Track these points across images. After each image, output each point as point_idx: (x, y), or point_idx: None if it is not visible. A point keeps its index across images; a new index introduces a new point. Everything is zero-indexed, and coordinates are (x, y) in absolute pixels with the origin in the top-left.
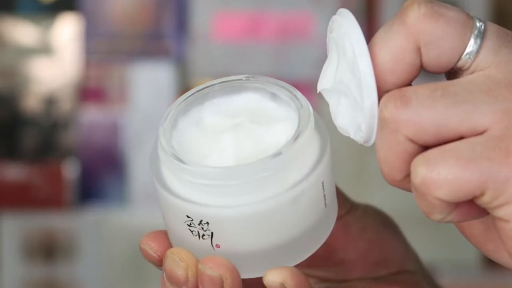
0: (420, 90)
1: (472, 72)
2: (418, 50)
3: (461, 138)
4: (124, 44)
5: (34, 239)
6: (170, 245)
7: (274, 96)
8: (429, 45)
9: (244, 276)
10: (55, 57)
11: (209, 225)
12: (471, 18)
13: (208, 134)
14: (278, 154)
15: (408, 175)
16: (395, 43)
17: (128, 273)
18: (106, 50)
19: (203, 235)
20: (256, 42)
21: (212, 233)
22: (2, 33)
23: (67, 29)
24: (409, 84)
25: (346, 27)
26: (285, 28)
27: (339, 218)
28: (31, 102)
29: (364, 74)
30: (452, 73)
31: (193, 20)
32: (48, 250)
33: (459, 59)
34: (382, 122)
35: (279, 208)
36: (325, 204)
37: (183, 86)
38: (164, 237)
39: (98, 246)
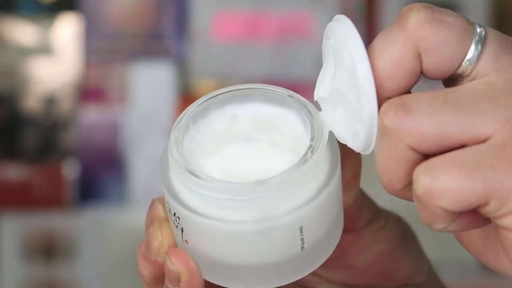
0: (421, 97)
1: (473, 79)
2: (418, 56)
3: (463, 146)
4: (124, 44)
5: (34, 239)
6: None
7: (301, 120)
8: (430, 51)
9: (207, 278)
10: (55, 57)
11: (180, 220)
12: (471, 24)
13: (222, 135)
14: (261, 182)
15: (408, 185)
16: (395, 49)
17: (128, 273)
18: (106, 50)
19: (177, 226)
20: (256, 42)
21: (182, 228)
22: (2, 33)
23: (67, 29)
24: (409, 91)
25: (343, 34)
26: (285, 28)
27: (355, 229)
28: (31, 102)
29: (363, 81)
30: (452, 80)
31: (193, 20)
32: (48, 250)
33: (459, 66)
34: (383, 131)
35: (240, 234)
36: (302, 248)
37: (183, 86)
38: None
39: (98, 246)
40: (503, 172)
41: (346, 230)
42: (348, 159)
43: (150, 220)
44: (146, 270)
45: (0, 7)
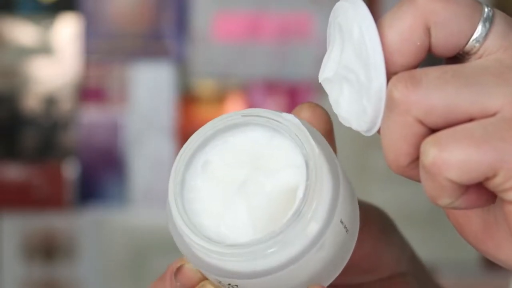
0: (431, 71)
1: (480, 57)
2: (427, 30)
3: (471, 120)
4: (124, 44)
5: (34, 239)
6: None
7: (278, 134)
8: (439, 26)
9: None
10: (55, 57)
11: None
12: (479, 3)
13: (217, 186)
14: (280, 231)
15: (414, 161)
16: (404, 23)
17: (128, 273)
18: (106, 50)
19: None
20: (256, 42)
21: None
22: (2, 33)
23: (67, 29)
24: (416, 67)
25: (353, 10)
26: (285, 28)
27: None
28: (31, 102)
29: (373, 54)
30: (459, 58)
31: (193, 20)
32: (48, 250)
33: (467, 42)
34: (391, 103)
35: (304, 263)
36: (346, 230)
37: (183, 86)
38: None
39: (98, 246)
40: None
41: None
42: (318, 119)
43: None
44: None
45: (0, 7)
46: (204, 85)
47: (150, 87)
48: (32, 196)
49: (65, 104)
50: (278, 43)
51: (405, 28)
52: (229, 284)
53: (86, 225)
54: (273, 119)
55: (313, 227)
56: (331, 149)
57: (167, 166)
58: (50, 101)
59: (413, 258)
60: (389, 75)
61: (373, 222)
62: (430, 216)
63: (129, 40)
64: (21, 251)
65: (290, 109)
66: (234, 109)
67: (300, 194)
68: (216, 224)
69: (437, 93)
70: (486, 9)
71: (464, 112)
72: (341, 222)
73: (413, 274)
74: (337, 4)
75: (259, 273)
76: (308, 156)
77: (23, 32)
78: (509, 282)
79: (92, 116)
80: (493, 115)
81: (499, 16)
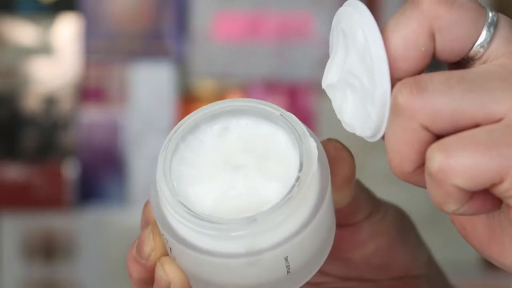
0: (436, 76)
1: (484, 62)
2: (432, 36)
3: (477, 126)
4: (124, 44)
5: (34, 239)
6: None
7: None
8: (444, 30)
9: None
10: (55, 57)
11: (167, 242)
12: (483, 7)
13: (212, 155)
14: (251, 220)
15: (420, 167)
16: (409, 28)
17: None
18: (106, 50)
19: (166, 242)
20: (256, 42)
21: (170, 248)
22: (2, 33)
23: (67, 29)
24: (421, 72)
25: (357, 15)
26: (285, 28)
27: (353, 224)
28: (31, 102)
29: (377, 59)
30: (463, 63)
31: (193, 20)
32: (48, 250)
33: (472, 47)
34: (396, 109)
35: (226, 266)
36: (287, 272)
37: (183, 86)
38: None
39: (98, 246)
40: None
41: (343, 225)
42: (340, 164)
43: (145, 222)
44: (135, 272)
45: (0, 7)
46: (204, 85)
47: (150, 87)
48: (32, 196)
49: (65, 104)
50: (278, 43)
51: (409, 34)
52: (163, 234)
53: (86, 225)
54: (273, 111)
55: (257, 244)
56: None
57: None
58: (50, 101)
59: (430, 263)
60: (394, 81)
61: (391, 221)
62: (430, 216)
63: (129, 40)
64: (21, 251)
65: (290, 109)
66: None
67: (293, 176)
68: (197, 193)
69: (443, 98)
70: (490, 14)
71: (469, 118)
72: (285, 259)
73: (427, 279)
74: (340, 9)
75: (201, 250)
76: (302, 145)
77: (23, 32)
78: (509, 283)
79: (92, 116)
80: (499, 120)
81: (504, 20)
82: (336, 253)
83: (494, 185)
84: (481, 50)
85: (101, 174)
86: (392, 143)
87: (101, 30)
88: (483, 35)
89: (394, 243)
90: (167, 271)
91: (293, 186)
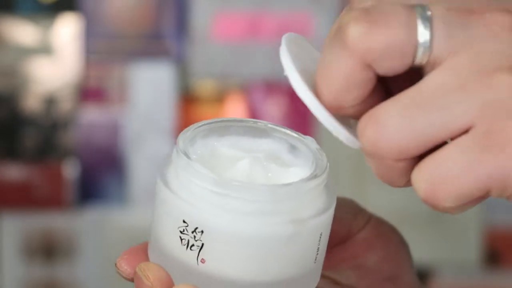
0: (391, 109)
1: (433, 66)
2: (368, 66)
3: (447, 140)
4: (124, 44)
5: (34, 239)
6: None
7: (293, 148)
8: (377, 60)
9: None
10: (55, 57)
11: (202, 234)
12: (412, 10)
13: (223, 161)
14: (289, 185)
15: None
16: (342, 68)
17: None
18: (106, 50)
19: (192, 245)
20: (256, 42)
21: (202, 244)
22: (2, 33)
23: (67, 29)
24: (370, 94)
25: (282, 61)
26: (285, 28)
27: (359, 230)
28: (31, 102)
29: (302, 99)
30: (414, 70)
31: (193, 20)
32: (48, 250)
33: (414, 59)
34: (366, 153)
35: (273, 239)
36: (315, 259)
37: (183, 86)
38: (140, 255)
39: (98, 246)
40: (494, 159)
41: (351, 234)
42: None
43: (127, 273)
44: None
45: (0, 7)
46: (204, 85)
47: (150, 87)
48: (32, 196)
49: (65, 104)
50: (278, 43)
51: (344, 73)
52: (196, 229)
53: (86, 225)
54: (260, 124)
55: (295, 215)
56: (333, 182)
57: None
58: (50, 101)
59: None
60: (347, 109)
61: (394, 232)
62: (429, 216)
63: (129, 40)
64: (21, 251)
65: (289, 110)
66: (234, 109)
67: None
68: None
69: (405, 132)
70: (421, 13)
71: (437, 139)
72: (320, 236)
73: None
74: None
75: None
76: (319, 158)
77: (23, 32)
78: (509, 283)
79: (92, 116)
80: (468, 130)
81: (437, 15)
82: (353, 260)
83: (483, 196)
84: (425, 57)
85: (101, 174)
86: (376, 173)
87: (101, 30)
88: (420, 45)
89: (400, 252)
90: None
91: (315, 169)
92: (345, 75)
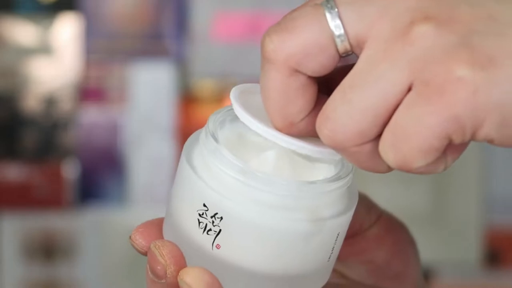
0: (335, 101)
1: (362, 47)
2: (297, 71)
3: (395, 108)
4: (124, 44)
5: (34, 239)
6: (159, 238)
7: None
8: (302, 64)
9: (226, 286)
10: (55, 57)
11: (221, 220)
12: (319, 6)
13: (250, 148)
14: (314, 183)
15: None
16: (273, 82)
17: (128, 273)
18: (106, 50)
19: (210, 229)
20: (256, 42)
21: (220, 230)
22: (2, 33)
23: (67, 29)
24: (316, 99)
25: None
26: None
27: (371, 225)
28: (31, 102)
29: (257, 132)
30: (346, 57)
31: (193, 20)
32: (48, 250)
33: (337, 49)
34: (333, 148)
35: (292, 235)
36: (329, 258)
37: (183, 86)
38: (155, 230)
39: (98, 246)
40: (444, 109)
41: (363, 228)
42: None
43: (141, 246)
44: None
45: (0, 7)
46: (204, 85)
47: (150, 87)
48: (32, 196)
49: (65, 104)
50: None
51: (278, 87)
52: (215, 214)
53: (86, 225)
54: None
55: (317, 213)
56: (357, 187)
57: (167, 166)
58: (50, 101)
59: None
60: (299, 124)
61: (404, 229)
62: (430, 216)
63: (129, 40)
64: (21, 251)
65: None
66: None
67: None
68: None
69: (353, 116)
70: (327, 13)
71: (385, 109)
72: (337, 236)
73: None
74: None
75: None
76: (345, 163)
77: (23, 32)
78: (509, 283)
79: (92, 116)
80: (409, 90)
81: (343, 5)
82: (363, 254)
83: (449, 143)
84: (345, 42)
85: (101, 174)
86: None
87: (101, 30)
88: (335, 35)
89: (409, 250)
90: (190, 283)
91: (340, 170)
92: (279, 88)
